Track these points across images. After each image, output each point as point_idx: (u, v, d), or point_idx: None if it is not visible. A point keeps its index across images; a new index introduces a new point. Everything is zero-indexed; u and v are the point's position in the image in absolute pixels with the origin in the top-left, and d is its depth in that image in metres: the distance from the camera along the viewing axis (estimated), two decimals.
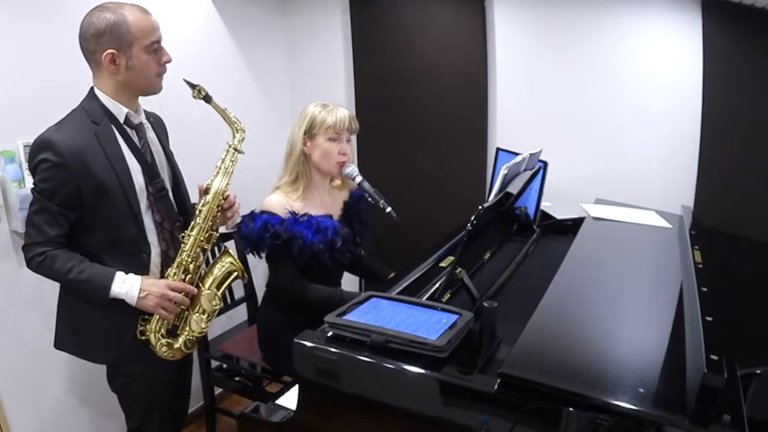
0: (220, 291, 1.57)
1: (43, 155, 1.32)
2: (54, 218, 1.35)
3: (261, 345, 1.99)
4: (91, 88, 1.44)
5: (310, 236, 1.74)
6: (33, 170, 1.36)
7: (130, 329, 1.47)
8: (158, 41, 1.42)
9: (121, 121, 1.44)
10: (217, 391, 2.36)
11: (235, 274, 1.60)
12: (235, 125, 1.56)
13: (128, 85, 1.42)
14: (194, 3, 2.36)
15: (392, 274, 1.95)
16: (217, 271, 1.57)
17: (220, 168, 1.54)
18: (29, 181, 1.73)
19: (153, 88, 1.47)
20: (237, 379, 2.17)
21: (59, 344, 1.53)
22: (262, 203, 1.81)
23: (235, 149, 1.56)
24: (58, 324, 1.52)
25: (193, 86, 1.50)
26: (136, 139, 1.47)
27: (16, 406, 1.85)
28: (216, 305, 1.55)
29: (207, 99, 1.51)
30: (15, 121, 1.72)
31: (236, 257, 1.60)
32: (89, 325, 1.48)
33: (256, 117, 2.74)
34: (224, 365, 2.15)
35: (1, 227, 1.76)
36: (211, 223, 1.52)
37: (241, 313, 2.36)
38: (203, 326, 1.53)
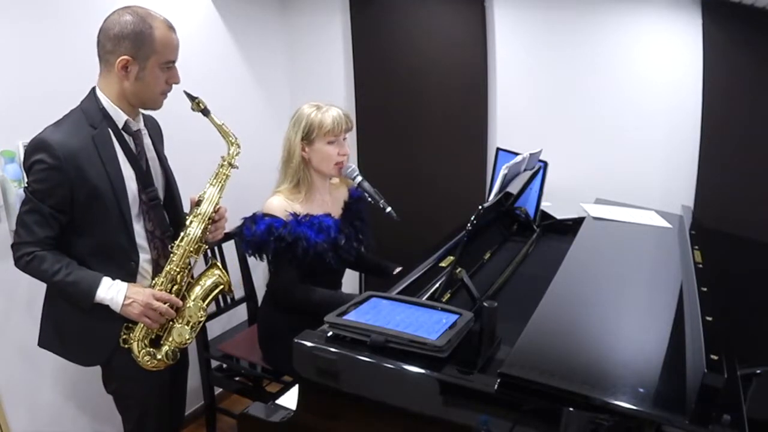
0: (206, 303, 1.57)
1: (39, 156, 1.32)
2: (45, 219, 1.35)
3: (261, 345, 1.99)
4: (92, 89, 1.43)
5: (313, 236, 1.73)
6: (27, 170, 1.36)
7: (114, 334, 1.47)
8: (174, 61, 1.42)
9: (120, 126, 1.43)
10: (217, 391, 2.36)
11: (221, 287, 1.60)
12: (231, 140, 1.56)
13: (131, 95, 1.41)
14: (194, 3, 2.36)
15: (399, 269, 1.95)
16: (204, 283, 1.57)
17: (213, 181, 1.54)
18: None
19: (154, 104, 1.47)
20: (237, 379, 2.17)
21: (42, 343, 1.52)
22: (263, 205, 1.80)
23: (230, 164, 1.55)
24: (43, 322, 1.52)
25: (192, 98, 1.49)
26: (132, 146, 1.47)
27: (15, 407, 1.85)
28: (201, 317, 1.55)
29: (205, 112, 1.51)
30: (15, 121, 1.72)
31: (223, 270, 1.60)
32: (73, 326, 1.47)
33: (255, 117, 2.74)
34: (224, 365, 2.15)
35: (1, 227, 1.76)
36: (201, 235, 1.52)
37: (241, 313, 2.36)
38: (187, 337, 1.53)
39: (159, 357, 1.51)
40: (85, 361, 1.53)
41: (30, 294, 1.82)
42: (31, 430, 1.92)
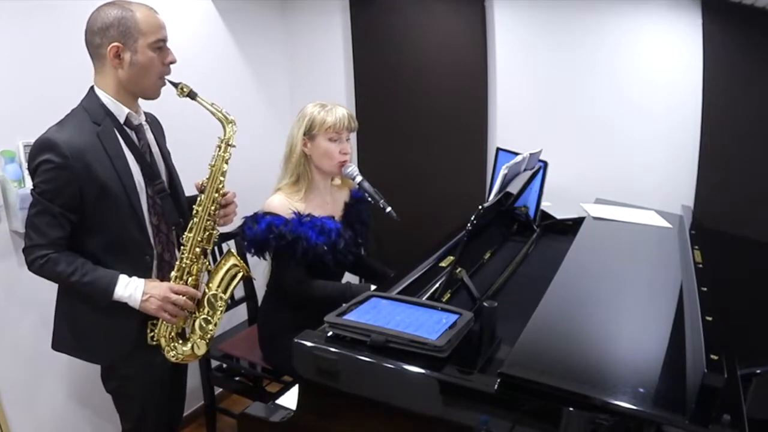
0: (227, 294, 1.56)
1: (45, 156, 1.31)
2: (56, 220, 1.34)
3: (261, 345, 1.99)
4: (91, 88, 1.43)
5: (314, 237, 1.73)
6: (33, 171, 1.35)
7: (130, 330, 1.47)
8: (164, 40, 1.42)
9: (122, 121, 1.43)
10: (217, 390, 2.36)
11: (241, 274, 1.59)
12: (225, 119, 1.51)
13: (130, 83, 1.41)
14: (194, 3, 2.36)
15: (393, 274, 1.95)
16: (222, 272, 1.56)
17: (213, 165, 1.52)
18: (29, 181, 1.72)
19: (152, 90, 1.46)
20: (237, 379, 2.17)
21: (57, 345, 1.52)
22: (264, 204, 1.80)
23: (227, 143, 1.52)
24: (56, 325, 1.51)
25: (175, 85, 1.47)
26: (135, 140, 1.47)
27: (15, 406, 1.85)
28: (221, 306, 1.54)
29: (192, 95, 1.47)
30: (15, 121, 1.72)
31: (239, 258, 1.59)
32: (88, 326, 1.47)
33: (255, 117, 2.74)
34: (224, 365, 2.15)
35: (1, 227, 1.76)
36: (209, 222, 1.51)
37: (241, 313, 2.36)
38: (210, 329, 1.53)
39: (185, 349, 1.51)
40: (101, 359, 1.53)
41: (30, 294, 1.82)
42: (31, 430, 1.92)
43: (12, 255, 1.78)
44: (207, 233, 1.51)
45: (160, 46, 1.41)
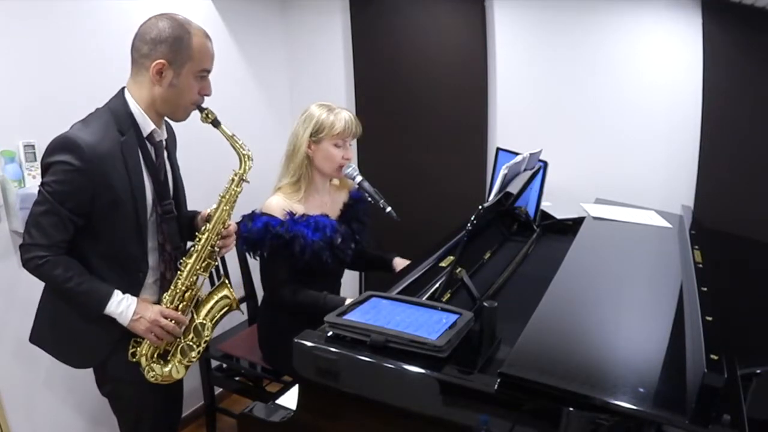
0: (213, 322, 1.56)
1: (65, 156, 1.28)
2: (62, 222, 1.32)
3: (261, 345, 1.99)
4: (122, 90, 1.40)
5: (310, 234, 1.74)
6: (47, 167, 1.31)
7: (111, 339, 1.45)
8: (208, 71, 1.41)
9: (145, 135, 1.41)
10: (217, 390, 2.36)
11: (229, 306, 1.59)
12: (243, 153, 1.50)
13: (162, 102, 1.39)
14: (194, 3, 2.36)
15: (395, 256, 1.96)
16: (213, 302, 1.56)
17: (223, 197, 1.50)
18: (29, 181, 1.73)
19: (183, 114, 1.44)
20: (237, 378, 2.17)
21: (35, 339, 1.49)
22: (262, 204, 1.80)
23: (241, 178, 1.51)
24: (37, 319, 1.49)
25: (201, 109, 1.45)
26: (154, 157, 1.45)
27: (15, 407, 1.85)
28: (207, 335, 1.54)
29: (215, 124, 1.46)
30: (15, 121, 1.72)
31: (232, 289, 1.59)
32: (70, 326, 1.45)
33: (255, 117, 2.74)
34: (224, 365, 2.15)
35: (1, 227, 1.76)
36: (210, 251, 1.50)
37: None
38: (193, 356, 1.52)
39: (165, 371, 1.50)
40: (76, 362, 1.51)
41: (30, 294, 1.80)
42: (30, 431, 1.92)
43: (12, 255, 1.78)
44: (206, 262, 1.51)
45: (203, 75, 1.40)
